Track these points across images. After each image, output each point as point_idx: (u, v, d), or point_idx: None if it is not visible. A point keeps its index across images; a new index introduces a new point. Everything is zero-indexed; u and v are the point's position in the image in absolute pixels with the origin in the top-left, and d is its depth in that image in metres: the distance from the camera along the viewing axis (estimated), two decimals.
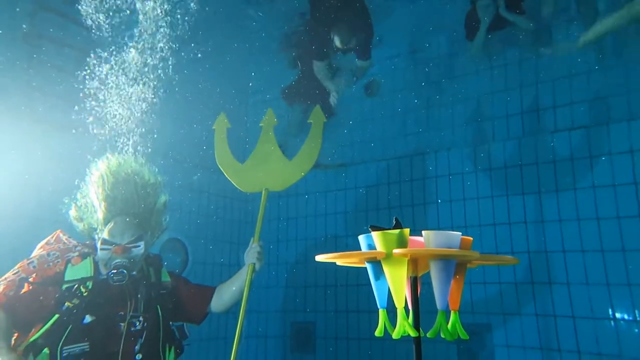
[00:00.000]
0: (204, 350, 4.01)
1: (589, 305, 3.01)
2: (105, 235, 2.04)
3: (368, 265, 1.14)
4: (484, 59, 3.89)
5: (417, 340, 1.08)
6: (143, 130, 3.09)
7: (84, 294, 1.94)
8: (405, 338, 1.07)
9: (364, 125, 4.36)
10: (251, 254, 2.31)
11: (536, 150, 3.45)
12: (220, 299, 2.31)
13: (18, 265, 2.04)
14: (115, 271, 1.95)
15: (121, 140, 2.92)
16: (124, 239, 2.05)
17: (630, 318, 2.87)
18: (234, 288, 2.30)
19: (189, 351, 2.22)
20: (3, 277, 1.99)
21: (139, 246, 2.07)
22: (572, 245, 3.16)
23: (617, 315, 2.91)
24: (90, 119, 3.03)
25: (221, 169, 2.57)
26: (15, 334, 1.93)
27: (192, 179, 4.17)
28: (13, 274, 2.00)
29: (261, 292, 4.35)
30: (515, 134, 3.62)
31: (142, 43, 3.01)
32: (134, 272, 2.03)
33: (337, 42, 3.70)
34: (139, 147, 2.89)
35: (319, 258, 1.18)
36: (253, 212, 4.54)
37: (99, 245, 2.05)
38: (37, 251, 2.17)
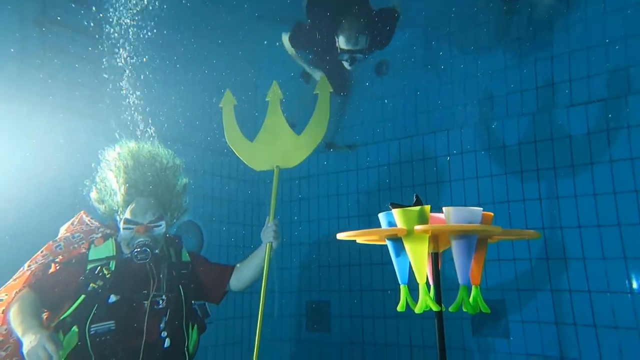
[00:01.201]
0: (222, 328, 4.10)
1: (605, 279, 3.00)
2: (127, 215, 2.09)
3: (389, 243, 1.15)
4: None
5: (439, 314, 1.10)
6: (155, 113, 3.10)
7: (107, 276, 2.00)
8: (419, 315, 1.09)
9: (374, 105, 4.32)
10: (267, 233, 2.34)
11: (551, 126, 3.40)
12: (239, 278, 2.36)
13: (45, 247, 2.10)
14: (139, 249, 2.00)
15: (135, 124, 2.94)
16: (146, 218, 2.10)
17: None
18: (252, 266, 2.34)
19: (210, 329, 2.28)
20: (32, 259, 2.06)
21: (161, 225, 2.12)
22: (588, 221, 3.13)
23: (635, 287, 2.90)
24: (105, 103, 3.05)
25: (231, 148, 2.55)
26: (46, 313, 2.00)
27: (203, 161, 4.19)
28: (42, 257, 2.06)
29: (276, 272, 4.41)
30: (530, 109, 3.56)
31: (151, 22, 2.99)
32: (157, 251, 2.08)
33: (342, 42, 3.23)
34: (152, 131, 2.91)
35: (340, 236, 1.19)
36: (265, 192, 4.57)
37: (121, 225, 2.10)
38: (62, 233, 2.23)
